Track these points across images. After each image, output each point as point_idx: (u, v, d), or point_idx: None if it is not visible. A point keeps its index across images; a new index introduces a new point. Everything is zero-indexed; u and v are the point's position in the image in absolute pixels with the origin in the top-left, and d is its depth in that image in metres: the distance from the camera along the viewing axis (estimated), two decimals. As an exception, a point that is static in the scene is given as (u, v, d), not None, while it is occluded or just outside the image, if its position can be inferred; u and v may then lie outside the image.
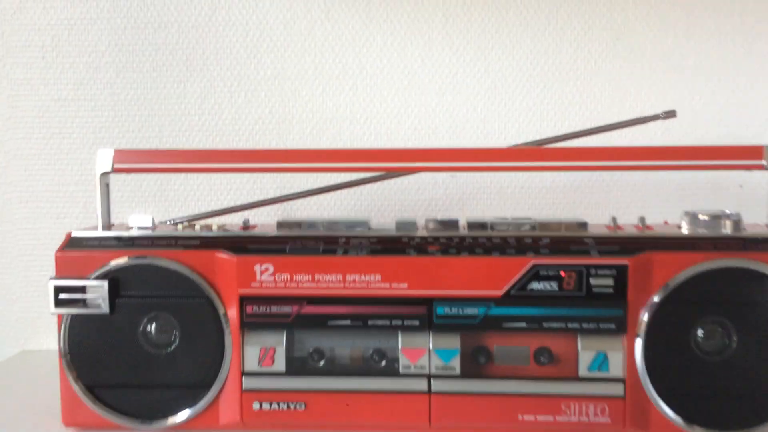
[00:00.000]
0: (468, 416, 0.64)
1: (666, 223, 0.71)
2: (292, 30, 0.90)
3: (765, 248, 0.62)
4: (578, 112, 0.89)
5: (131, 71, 0.91)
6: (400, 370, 0.65)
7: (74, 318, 0.66)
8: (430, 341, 0.64)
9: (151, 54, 0.91)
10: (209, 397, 0.66)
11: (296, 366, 0.65)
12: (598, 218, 0.90)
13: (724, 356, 0.63)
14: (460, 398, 0.64)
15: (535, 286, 0.63)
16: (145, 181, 0.93)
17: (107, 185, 0.70)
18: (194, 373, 0.66)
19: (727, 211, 0.67)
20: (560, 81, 0.89)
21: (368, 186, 0.79)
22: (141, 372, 0.66)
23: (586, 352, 0.64)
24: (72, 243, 0.67)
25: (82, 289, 0.65)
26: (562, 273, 0.63)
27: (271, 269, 0.64)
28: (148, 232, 0.68)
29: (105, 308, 0.65)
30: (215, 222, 0.73)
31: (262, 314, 0.65)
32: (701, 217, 0.66)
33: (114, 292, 0.65)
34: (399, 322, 0.65)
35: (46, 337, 0.92)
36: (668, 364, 0.63)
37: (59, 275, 0.66)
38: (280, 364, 0.65)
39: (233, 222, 0.72)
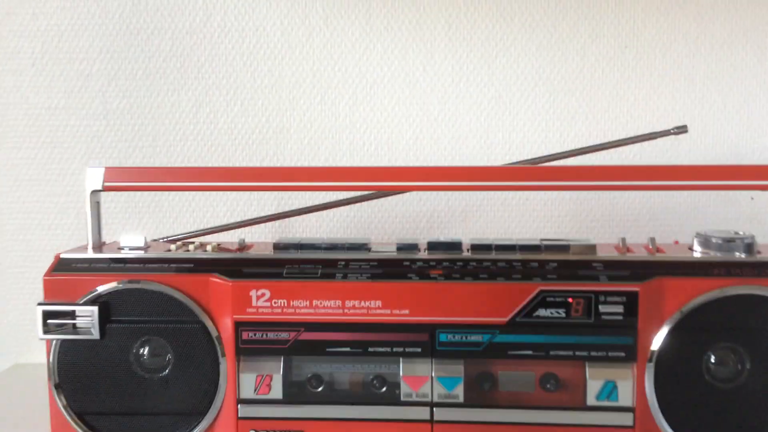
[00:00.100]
0: (471, 446, 0.62)
1: (676, 242, 0.69)
2: (290, 37, 0.88)
3: (780, 274, 0.60)
4: (585, 122, 0.87)
5: (124, 79, 0.89)
6: (402, 397, 0.63)
7: (64, 342, 0.64)
8: (432, 369, 0.62)
9: (144, 61, 0.88)
10: (204, 425, 0.64)
11: (294, 394, 0.63)
12: (604, 229, 0.88)
13: (736, 383, 0.61)
14: (464, 427, 0.62)
15: (542, 312, 0.61)
16: (139, 192, 0.90)
17: (98, 203, 0.68)
18: (188, 400, 0.64)
19: (741, 233, 0.65)
20: (566, 90, 0.87)
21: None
22: (133, 398, 0.64)
23: (594, 381, 0.61)
24: (61, 265, 0.65)
25: (72, 315, 0.63)
26: (569, 299, 0.61)
27: (268, 295, 0.62)
28: (140, 254, 0.66)
29: (95, 334, 0.63)
30: (210, 240, 0.71)
31: (258, 340, 0.63)
32: (714, 240, 0.64)
33: (104, 317, 0.63)
34: (400, 349, 0.62)
35: (39, 350, 0.89)
36: (679, 393, 0.61)
37: (48, 299, 0.64)
38: (277, 392, 0.63)
39: (229, 240, 0.70)
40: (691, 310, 0.60)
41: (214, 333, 0.63)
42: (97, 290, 0.63)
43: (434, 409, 0.63)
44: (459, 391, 0.62)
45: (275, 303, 0.62)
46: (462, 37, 0.87)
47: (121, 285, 0.63)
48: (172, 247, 0.68)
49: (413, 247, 0.66)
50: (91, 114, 0.90)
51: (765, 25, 0.85)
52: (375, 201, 0.84)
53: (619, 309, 0.60)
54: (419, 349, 0.62)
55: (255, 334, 0.63)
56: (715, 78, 0.86)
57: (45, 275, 0.64)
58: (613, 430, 0.61)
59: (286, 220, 0.79)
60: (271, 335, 0.63)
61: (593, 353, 0.61)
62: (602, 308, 0.61)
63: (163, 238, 0.73)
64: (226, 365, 0.63)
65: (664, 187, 0.66)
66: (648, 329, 0.61)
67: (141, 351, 0.64)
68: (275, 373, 0.63)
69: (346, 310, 0.62)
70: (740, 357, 0.61)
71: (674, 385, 0.61)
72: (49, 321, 0.63)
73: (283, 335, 0.63)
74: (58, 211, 0.92)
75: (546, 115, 0.87)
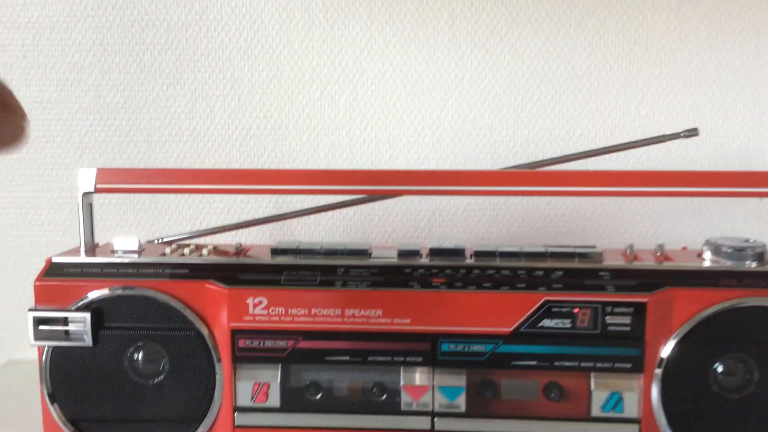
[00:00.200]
0: (473, 457, 0.61)
1: (685, 249, 0.67)
2: (289, 30, 0.85)
3: (792, 285, 0.59)
4: (591, 120, 0.85)
5: (117, 72, 0.86)
6: (402, 407, 0.61)
7: (56, 348, 0.62)
8: (433, 378, 0.61)
9: (139, 54, 0.86)
10: (199, 433, 0.63)
11: (291, 402, 0.62)
12: (609, 228, 0.87)
13: (744, 394, 0.60)
14: (465, 438, 0.61)
15: (547, 323, 0.60)
16: (134, 189, 0.88)
17: (90, 205, 0.66)
18: (184, 407, 0.62)
19: (751, 241, 0.63)
20: (572, 88, 0.84)
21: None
22: (127, 405, 0.63)
23: (599, 392, 0.60)
24: (52, 270, 0.63)
25: (64, 321, 0.61)
26: (575, 310, 0.59)
27: (265, 302, 0.61)
28: (134, 257, 0.64)
29: (88, 341, 0.61)
30: (207, 242, 0.69)
31: (255, 348, 0.61)
32: (724, 249, 0.62)
33: (97, 324, 0.61)
34: (401, 359, 0.61)
35: (33, 347, 0.89)
36: (686, 404, 0.60)
37: (39, 305, 0.62)
38: (274, 400, 0.62)
39: (226, 242, 0.68)
40: (700, 322, 0.59)
41: (209, 341, 0.61)
42: (89, 296, 0.61)
43: (435, 419, 0.61)
44: (461, 401, 0.61)
45: (273, 311, 0.61)
46: (466, 31, 0.84)
47: (114, 291, 0.61)
48: (167, 250, 0.66)
49: (415, 253, 0.64)
50: (84, 108, 0.87)
51: (778, 22, 0.83)
52: (374, 199, 0.82)
53: (627, 320, 0.59)
54: (420, 359, 0.61)
55: (252, 342, 0.61)
56: (726, 77, 0.83)
57: (36, 280, 0.62)
58: (618, 442, 0.60)
59: (284, 222, 0.77)
60: (269, 343, 0.61)
61: (599, 364, 0.60)
62: (609, 319, 0.59)
63: (158, 240, 0.71)
64: (222, 373, 0.62)
65: (671, 194, 0.64)
66: (656, 340, 0.59)
67: (135, 356, 0.62)
68: (273, 381, 0.62)
69: (345, 319, 0.61)
70: (749, 367, 0.60)
71: (681, 397, 0.60)
72: (40, 327, 0.61)
73: (281, 343, 0.61)
74: (51, 206, 0.90)
75: (551, 114, 0.85)
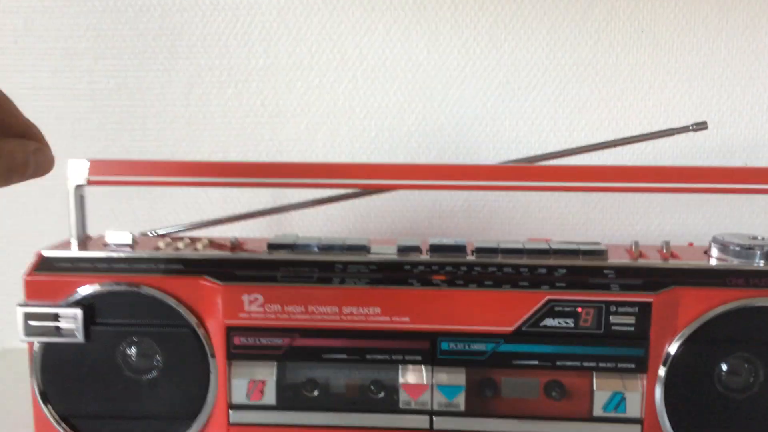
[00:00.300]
0: (472, 457, 0.60)
1: (691, 245, 0.66)
2: (287, 16, 0.83)
3: (801, 285, 0.57)
4: (597, 110, 0.83)
5: (111, 58, 0.84)
6: (400, 405, 0.60)
7: (47, 344, 0.61)
8: (432, 377, 0.60)
9: (133, 39, 0.84)
10: (193, 431, 0.61)
11: (288, 400, 0.61)
12: (613, 221, 0.85)
13: (748, 394, 0.59)
14: (465, 437, 0.60)
15: (550, 322, 0.58)
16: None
17: (82, 197, 0.64)
18: (177, 404, 0.61)
19: (759, 238, 0.61)
20: (578, 77, 0.82)
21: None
22: (120, 402, 0.62)
23: (601, 392, 0.59)
24: (43, 265, 0.61)
25: (55, 317, 0.60)
26: (579, 309, 0.58)
27: (261, 300, 0.59)
28: (127, 252, 0.62)
29: (80, 337, 0.60)
30: (202, 235, 0.67)
31: (250, 346, 0.60)
32: (732, 246, 0.60)
33: (89, 320, 0.60)
34: (399, 357, 0.60)
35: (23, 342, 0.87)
36: (689, 405, 0.59)
37: (29, 300, 0.61)
38: (270, 398, 0.61)
39: (222, 235, 0.67)
40: (706, 322, 0.57)
41: (204, 338, 0.60)
42: (81, 292, 0.60)
43: (434, 417, 0.60)
44: (460, 400, 0.60)
45: (269, 308, 0.59)
46: (469, 18, 0.82)
47: (106, 287, 0.60)
48: (161, 243, 0.65)
49: (415, 249, 0.62)
50: (76, 95, 0.85)
51: (790, 10, 0.80)
52: (373, 192, 0.81)
53: (631, 320, 0.58)
54: (419, 357, 0.60)
55: (247, 340, 0.60)
56: (735, 66, 0.81)
57: (26, 275, 0.61)
58: (620, 442, 0.59)
59: (281, 214, 0.75)
60: (264, 341, 0.60)
61: (602, 365, 0.59)
62: (613, 319, 0.58)
63: (152, 232, 0.70)
64: (216, 370, 0.61)
65: (676, 190, 0.62)
66: (660, 340, 0.58)
67: (128, 351, 0.61)
68: (268, 378, 0.60)
69: (343, 317, 0.59)
70: (754, 368, 0.59)
71: (685, 398, 0.59)
72: (30, 322, 0.60)
73: (277, 341, 0.60)
74: (43, 194, 0.88)
75: (556, 103, 0.83)
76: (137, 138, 0.86)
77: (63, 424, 0.62)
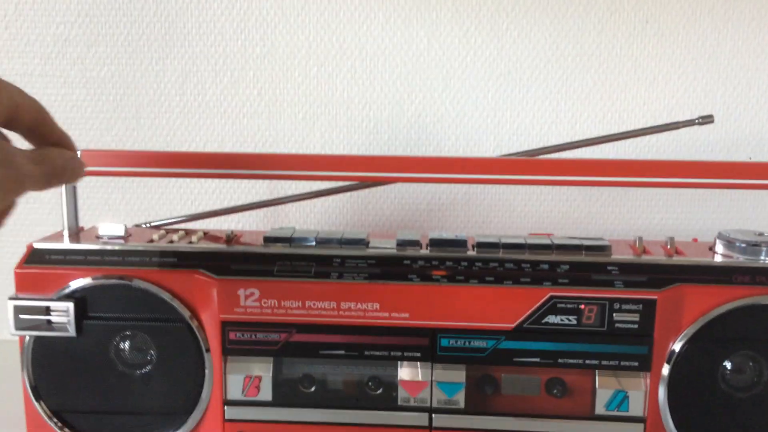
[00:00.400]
0: (472, 455, 0.59)
1: (695, 241, 0.65)
2: (284, 3, 0.81)
3: (808, 282, 0.56)
4: (600, 101, 0.81)
5: (104, 45, 0.82)
6: (399, 402, 0.59)
7: (38, 338, 0.59)
8: (432, 374, 0.59)
9: (127, 26, 0.82)
10: (189, 426, 0.61)
11: (284, 396, 0.60)
12: (615, 214, 0.84)
13: (751, 393, 0.58)
14: (464, 435, 0.59)
15: (552, 319, 0.57)
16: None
17: (74, 188, 0.63)
18: (172, 399, 0.60)
19: (766, 235, 0.60)
20: (581, 67, 0.81)
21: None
22: (113, 397, 0.61)
23: (604, 390, 0.58)
24: (34, 257, 0.60)
25: (46, 310, 0.58)
26: (582, 306, 0.57)
27: (257, 294, 0.58)
28: (120, 244, 0.61)
29: (71, 331, 0.59)
30: (196, 228, 0.66)
31: (246, 341, 0.59)
32: (737, 243, 0.59)
33: (81, 314, 0.59)
34: (398, 353, 0.59)
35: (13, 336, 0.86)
36: (693, 403, 0.58)
37: (20, 293, 0.59)
38: (266, 394, 0.60)
39: (217, 227, 0.65)
40: (711, 321, 0.56)
41: (198, 333, 0.59)
42: (73, 285, 0.59)
43: (433, 415, 0.59)
44: (460, 397, 0.59)
45: (265, 303, 0.58)
46: (470, 7, 0.80)
47: (98, 280, 0.59)
48: (155, 236, 0.63)
49: (414, 243, 0.61)
50: (69, 82, 0.84)
51: (797, 1, 0.79)
52: (372, 185, 0.79)
53: (635, 317, 0.57)
54: (419, 354, 0.58)
55: (243, 335, 0.59)
56: (741, 57, 0.80)
57: (17, 267, 0.59)
58: (622, 441, 0.58)
59: (280, 204, 0.74)
60: (261, 336, 0.59)
61: (605, 362, 0.58)
62: (617, 316, 0.57)
63: (145, 224, 0.68)
64: (211, 366, 0.59)
65: (681, 185, 0.61)
66: (664, 338, 0.57)
67: (122, 345, 0.60)
68: (264, 374, 0.59)
69: (341, 312, 0.58)
70: (758, 366, 0.58)
71: (688, 396, 0.58)
72: (21, 316, 0.59)
73: (273, 336, 0.59)
74: (36, 184, 0.86)
75: (558, 94, 0.81)
76: (131, 127, 0.84)
77: (55, 420, 0.61)
